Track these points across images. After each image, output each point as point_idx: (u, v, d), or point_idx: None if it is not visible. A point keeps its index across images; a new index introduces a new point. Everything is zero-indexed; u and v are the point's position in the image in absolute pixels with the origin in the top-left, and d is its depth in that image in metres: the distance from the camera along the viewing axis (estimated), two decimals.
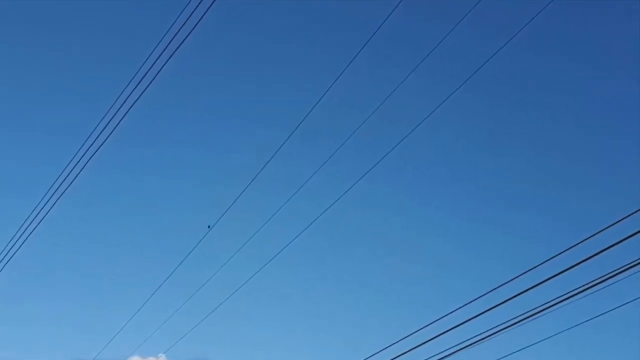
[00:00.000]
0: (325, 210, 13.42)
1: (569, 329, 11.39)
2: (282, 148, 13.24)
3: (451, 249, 19.85)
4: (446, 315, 11.26)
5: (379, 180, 16.27)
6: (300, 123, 13.13)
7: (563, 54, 18.12)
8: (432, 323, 11.49)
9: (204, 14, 11.21)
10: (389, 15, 12.18)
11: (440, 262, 19.78)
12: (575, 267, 9.95)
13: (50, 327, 21.58)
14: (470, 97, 16.96)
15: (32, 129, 21.12)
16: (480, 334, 10.89)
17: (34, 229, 14.57)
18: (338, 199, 13.40)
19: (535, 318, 10.60)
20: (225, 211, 13.59)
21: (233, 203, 13.35)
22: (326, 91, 12.92)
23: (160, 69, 11.88)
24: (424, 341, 11.36)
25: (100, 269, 21.26)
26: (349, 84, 14.01)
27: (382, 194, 19.37)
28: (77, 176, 13.52)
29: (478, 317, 11.06)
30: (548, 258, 10.18)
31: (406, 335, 11.90)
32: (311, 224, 13.57)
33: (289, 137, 13.21)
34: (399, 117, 15.47)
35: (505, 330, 10.82)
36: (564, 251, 10.07)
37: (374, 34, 12.30)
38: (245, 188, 13.16)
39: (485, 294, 10.85)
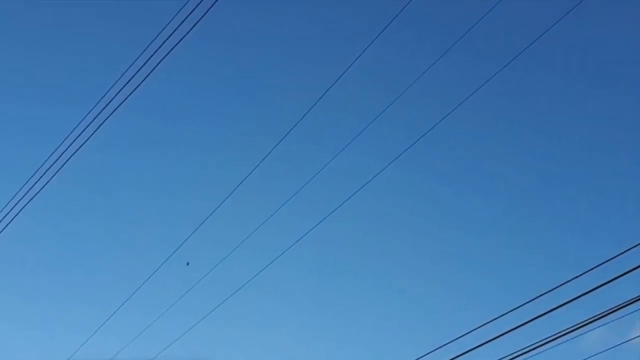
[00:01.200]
0: (345, 201, 11.77)
1: None
2: (297, 129, 11.56)
3: (487, 243, 17.99)
4: (481, 326, 9.62)
5: (406, 167, 14.62)
6: (317, 101, 11.49)
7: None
8: (461, 337, 9.87)
9: None
10: None
11: (476, 259, 17.93)
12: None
13: (49, 328, 20.25)
14: (515, 78, 15.21)
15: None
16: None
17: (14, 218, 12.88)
18: (359, 189, 11.78)
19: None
20: (227, 197, 11.90)
21: (237, 187, 11.65)
22: (348, 67, 11.34)
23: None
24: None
25: (95, 265, 19.80)
26: (378, 62, 12.48)
27: (408, 183, 17.62)
28: (59, 164, 11.87)
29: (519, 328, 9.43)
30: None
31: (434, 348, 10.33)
32: (329, 214, 11.92)
33: (304, 115, 11.53)
34: (430, 100, 13.96)
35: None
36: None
37: (402, 8, 10.64)
38: (251, 172, 11.48)
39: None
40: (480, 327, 9.50)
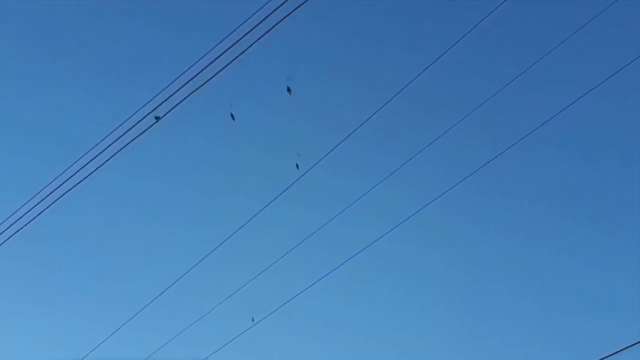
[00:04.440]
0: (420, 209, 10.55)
1: None
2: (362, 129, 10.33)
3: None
4: None
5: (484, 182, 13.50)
6: (390, 100, 10.25)
7: None
8: None
9: None
10: None
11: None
12: None
13: (51, 327, 19.93)
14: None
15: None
16: None
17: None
18: (439, 196, 10.60)
19: None
20: (273, 200, 10.66)
21: (287, 189, 10.41)
22: (428, 66, 9.95)
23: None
24: None
25: (109, 268, 19.25)
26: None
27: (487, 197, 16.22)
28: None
29: None
30: None
31: None
32: (398, 225, 10.65)
33: (371, 116, 10.31)
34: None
35: None
36: None
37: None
38: (307, 171, 10.27)
39: None
40: None
